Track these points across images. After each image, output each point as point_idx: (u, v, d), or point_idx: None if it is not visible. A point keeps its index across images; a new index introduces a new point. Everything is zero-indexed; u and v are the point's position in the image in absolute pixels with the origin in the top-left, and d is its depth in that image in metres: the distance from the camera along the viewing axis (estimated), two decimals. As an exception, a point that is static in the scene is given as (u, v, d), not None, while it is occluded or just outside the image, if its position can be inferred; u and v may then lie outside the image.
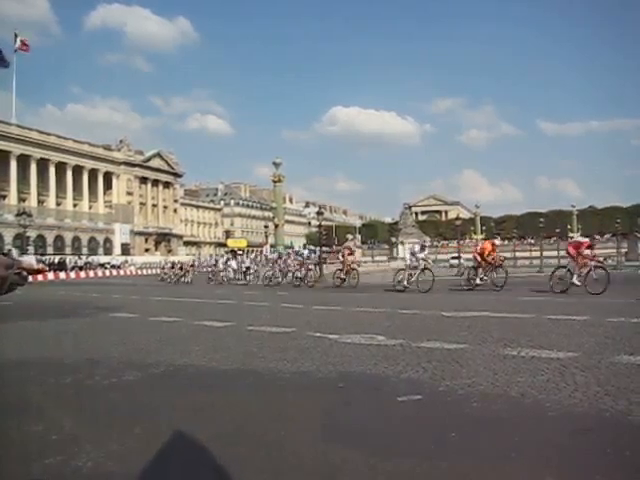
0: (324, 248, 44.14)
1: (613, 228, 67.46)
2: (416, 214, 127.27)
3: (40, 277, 51.65)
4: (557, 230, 71.65)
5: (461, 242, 56.39)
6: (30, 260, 2.06)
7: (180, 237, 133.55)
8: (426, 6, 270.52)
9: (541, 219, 62.68)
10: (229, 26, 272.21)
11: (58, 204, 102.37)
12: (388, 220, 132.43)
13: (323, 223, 44.77)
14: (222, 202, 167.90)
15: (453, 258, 48.42)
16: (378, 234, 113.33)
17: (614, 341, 7.90)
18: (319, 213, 42.93)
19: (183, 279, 41.64)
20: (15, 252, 56.50)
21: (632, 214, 78.21)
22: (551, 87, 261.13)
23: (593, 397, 4.85)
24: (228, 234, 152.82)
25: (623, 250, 55.55)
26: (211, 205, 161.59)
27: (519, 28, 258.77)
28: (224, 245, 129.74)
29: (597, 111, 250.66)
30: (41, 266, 1.99)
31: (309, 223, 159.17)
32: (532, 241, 71.59)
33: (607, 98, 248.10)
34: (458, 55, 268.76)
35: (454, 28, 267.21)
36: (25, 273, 1.81)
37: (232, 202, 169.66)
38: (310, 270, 30.87)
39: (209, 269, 43.94)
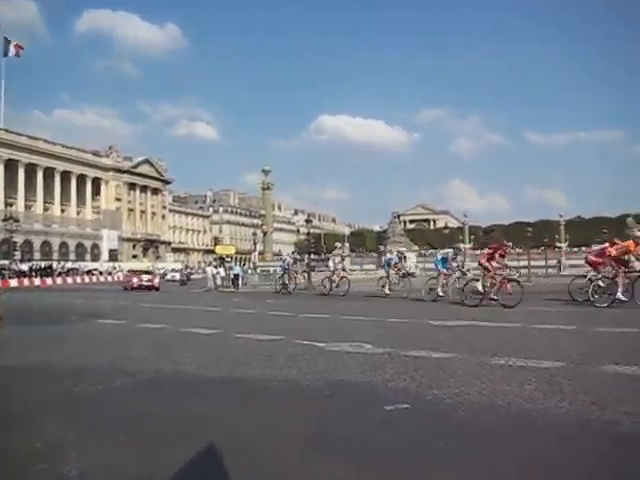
0: (312, 256, 44.28)
1: (600, 238, 67.90)
2: (405, 223, 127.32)
3: (27, 283, 51.53)
4: (545, 240, 71.92)
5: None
6: None
7: (168, 244, 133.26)
8: (413, 17, 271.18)
9: (529, 229, 62.93)
10: (218, 33, 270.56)
11: (46, 209, 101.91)
12: (377, 228, 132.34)
13: (312, 231, 44.86)
14: (211, 209, 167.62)
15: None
16: (366, 242, 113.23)
17: (601, 350, 7.93)
18: (308, 221, 43.03)
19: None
20: None
21: (619, 224, 78.46)
22: (537, 98, 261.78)
23: (580, 407, 4.85)
24: (216, 241, 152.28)
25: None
26: (200, 212, 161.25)
27: (505, 39, 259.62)
28: (212, 252, 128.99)
29: (583, 122, 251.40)
30: None
31: (298, 231, 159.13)
32: (520, 250, 71.69)
33: (593, 109, 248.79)
34: (445, 65, 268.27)
35: (440, 39, 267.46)
36: None
37: (221, 209, 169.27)
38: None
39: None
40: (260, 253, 53.82)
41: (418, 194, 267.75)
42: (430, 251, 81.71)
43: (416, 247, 68.15)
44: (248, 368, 7.24)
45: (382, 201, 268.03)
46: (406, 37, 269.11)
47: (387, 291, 23.64)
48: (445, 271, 20.33)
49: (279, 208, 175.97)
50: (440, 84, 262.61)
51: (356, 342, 9.05)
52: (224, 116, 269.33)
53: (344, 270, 28.90)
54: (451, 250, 21.30)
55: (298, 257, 41.88)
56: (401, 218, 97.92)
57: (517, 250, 73.16)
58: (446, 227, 56.94)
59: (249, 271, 47.14)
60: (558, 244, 72.99)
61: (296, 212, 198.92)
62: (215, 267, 44.78)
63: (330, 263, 28.83)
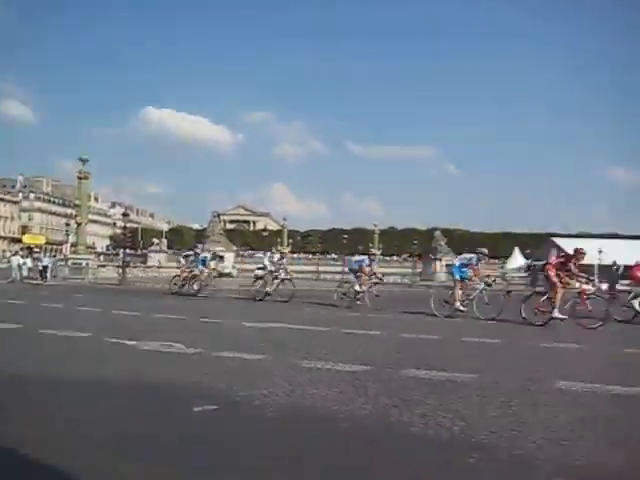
0: (128, 251, 43.25)
1: (410, 249, 72.03)
2: (225, 222, 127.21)
3: None
4: (359, 247, 74.93)
5: (267, 253, 57.41)
6: None
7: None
8: (248, 17, 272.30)
9: (345, 236, 65.40)
10: (42, 3, 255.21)
11: None
12: (196, 227, 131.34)
13: (129, 225, 43.87)
14: (20, 195, 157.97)
15: (259, 269, 48.93)
16: (184, 240, 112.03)
17: (404, 355, 8.37)
18: (125, 215, 42.13)
19: None
20: None
21: (428, 237, 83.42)
22: (358, 109, 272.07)
23: (382, 409, 5.09)
24: (24, 230, 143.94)
25: (418, 270, 59.46)
26: (7, 197, 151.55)
27: (334, 45, 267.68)
28: (19, 241, 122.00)
29: (401, 137, 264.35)
30: None
31: (114, 224, 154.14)
32: (335, 256, 74.01)
33: (407, 124, 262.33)
34: (274, 68, 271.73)
35: (267, 42, 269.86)
36: None
37: (32, 196, 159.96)
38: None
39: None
40: (73, 245, 51.78)
41: (240, 195, 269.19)
42: (248, 252, 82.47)
43: (235, 247, 68.40)
44: (52, 366, 6.91)
45: (203, 199, 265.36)
46: (235, 35, 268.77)
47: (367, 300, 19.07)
48: (461, 280, 16.84)
49: (96, 199, 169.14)
50: (268, 87, 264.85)
51: (168, 341, 8.91)
52: (42, 96, 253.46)
53: (287, 271, 23.93)
54: (474, 255, 17.38)
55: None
56: (221, 218, 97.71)
57: (332, 255, 75.77)
58: (265, 229, 57.71)
59: (59, 263, 45.25)
60: (372, 252, 76.30)
61: (113, 205, 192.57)
62: (22, 257, 42.37)
63: (266, 261, 23.96)
